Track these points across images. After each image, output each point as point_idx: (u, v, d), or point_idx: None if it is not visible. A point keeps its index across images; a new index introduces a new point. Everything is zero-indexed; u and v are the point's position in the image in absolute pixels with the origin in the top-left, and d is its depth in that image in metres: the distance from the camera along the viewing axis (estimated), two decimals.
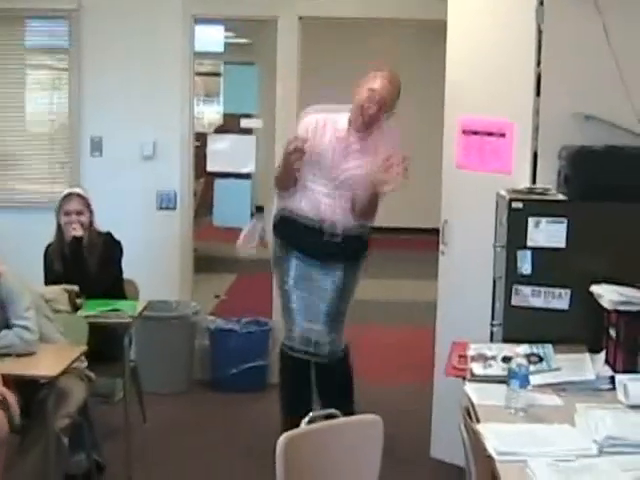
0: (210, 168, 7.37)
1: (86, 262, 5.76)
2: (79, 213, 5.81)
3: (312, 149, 5.22)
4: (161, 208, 7.17)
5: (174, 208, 7.18)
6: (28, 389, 4.55)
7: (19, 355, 4.64)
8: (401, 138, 5.27)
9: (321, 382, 5.60)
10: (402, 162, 5.01)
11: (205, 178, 9.36)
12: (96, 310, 5.50)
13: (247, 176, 7.34)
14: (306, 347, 5.45)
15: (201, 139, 7.84)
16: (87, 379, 5.08)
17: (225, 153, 7.32)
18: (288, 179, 5.35)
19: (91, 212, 5.86)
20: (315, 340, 5.44)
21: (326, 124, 5.34)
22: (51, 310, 5.14)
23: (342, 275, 5.45)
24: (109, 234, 5.96)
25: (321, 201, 5.35)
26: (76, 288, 5.46)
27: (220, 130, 10.56)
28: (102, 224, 5.96)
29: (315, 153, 5.25)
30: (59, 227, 5.84)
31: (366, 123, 5.26)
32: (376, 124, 5.27)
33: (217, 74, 14.33)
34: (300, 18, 7.01)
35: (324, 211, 5.35)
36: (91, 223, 5.87)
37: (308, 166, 5.26)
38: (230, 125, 8.44)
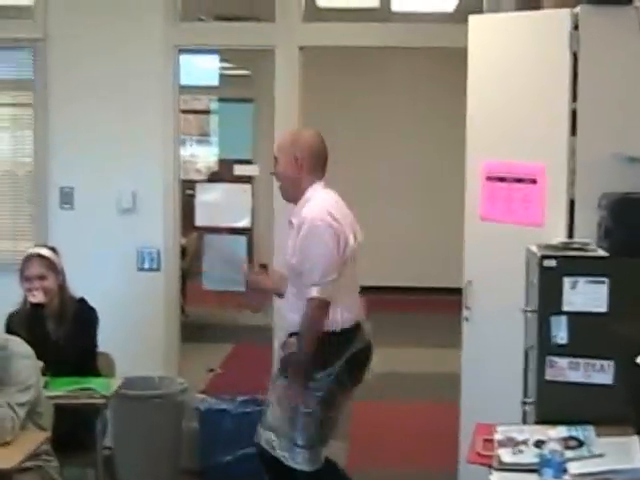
0: (199, 222, 7.35)
1: (50, 333, 5.73)
2: (41, 278, 5.78)
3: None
4: (142, 269, 7.16)
5: (157, 269, 7.17)
6: None
7: None
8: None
9: None
10: None
11: (197, 233, 9.37)
12: (64, 389, 5.45)
13: (242, 231, 7.31)
14: None
15: (194, 187, 7.82)
16: None
17: (217, 205, 7.30)
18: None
19: (58, 274, 5.83)
20: None
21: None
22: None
23: None
24: (82, 300, 5.92)
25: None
26: (40, 363, 5.41)
27: (214, 178, 10.59)
28: (74, 287, 5.94)
29: None
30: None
31: (284, 189, 5.26)
32: (297, 188, 5.20)
33: (208, 112, 14.52)
34: (301, 48, 6.97)
35: None
36: (61, 287, 5.84)
37: None
38: (224, 172, 8.45)
